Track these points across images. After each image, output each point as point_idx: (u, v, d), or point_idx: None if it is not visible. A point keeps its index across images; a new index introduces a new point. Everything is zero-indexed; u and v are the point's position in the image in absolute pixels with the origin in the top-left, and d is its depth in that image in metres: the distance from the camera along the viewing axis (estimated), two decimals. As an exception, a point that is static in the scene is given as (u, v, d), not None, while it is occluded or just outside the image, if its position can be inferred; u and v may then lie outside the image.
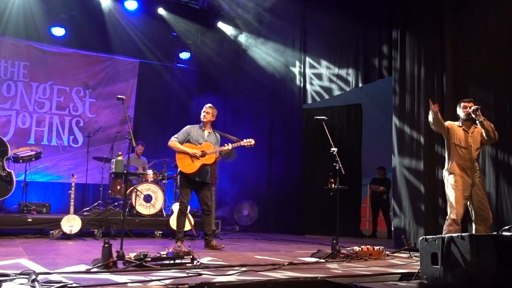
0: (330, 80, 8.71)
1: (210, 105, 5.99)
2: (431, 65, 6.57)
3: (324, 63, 8.88)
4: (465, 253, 3.24)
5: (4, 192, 7.00)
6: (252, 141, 5.77)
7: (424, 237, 3.67)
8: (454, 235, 3.40)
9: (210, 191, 6.03)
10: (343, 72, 8.40)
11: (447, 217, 5.02)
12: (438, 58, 6.46)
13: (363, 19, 8.06)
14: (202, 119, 5.92)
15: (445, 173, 5.16)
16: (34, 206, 7.86)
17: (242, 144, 5.77)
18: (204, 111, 5.91)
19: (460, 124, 5.17)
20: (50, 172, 9.71)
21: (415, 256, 5.30)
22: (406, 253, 5.64)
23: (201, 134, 5.86)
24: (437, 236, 3.54)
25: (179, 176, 5.81)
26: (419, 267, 3.71)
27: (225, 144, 5.80)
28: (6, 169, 7.01)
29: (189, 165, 5.69)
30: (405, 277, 3.85)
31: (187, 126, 5.93)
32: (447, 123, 5.18)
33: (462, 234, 3.34)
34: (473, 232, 4.91)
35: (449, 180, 5.04)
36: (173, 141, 5.76)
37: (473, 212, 4.98)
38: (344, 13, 8.46)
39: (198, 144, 5.79)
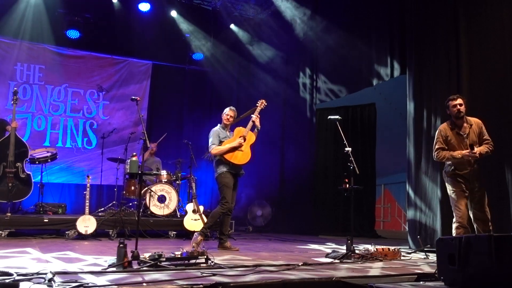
0: (342, 79, 8.66)
1: (233, 108, 6.10)
2: (446, 64, 6.48)
3: (336, 60, 8.80)
4: (482, 254, 3.19)
5: (23, 194, 7.08)
6: (264, 101, 6.06)
7: (440, 237, 3.62)
8: (471, 235, 3.35)
9: (237, 192, 6.09)
10: (354, 72, 8.33)
11: (453, 220, 4.91)
12: (453, 57, 6.36)
13: (375, 18, 7.99)
14: (225, 122, 5.99)
15: (444, 175, 5.04)
16: (50, 207, 7.97)
17: (260, 108, 5.98)
18: (228, 115, 5.99)
19: (453, 127, 4.91)
20: (65, 173, 9.83)
21: (431, 257, 5.24)
22: (422, 254, 5.57)
23: (225, 133, 5.97)
24: (454, 236, 3.49)
25: (221, 177, 5.79)
26: (436, 268, 3.66)
27: (251, 116, 5.93)
28: (25, 171, 7.09)
29: (242, 155, 5.81)
30: (422, 277, 3.80)
31: (213, 130, 5.98)
32: (443, 133, 4.93)
33: (479, 234, 3.29)
34: (475, 232, 4.82)
35: (448, 183, 4.94)
36: (215, 148, 5.81)
37: (471, 212, 4.85)
38: (355, 10, 8.40)
39: (229, 139, 5.89)
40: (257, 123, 5.92)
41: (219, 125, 6.04)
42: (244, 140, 5.82)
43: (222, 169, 5.79)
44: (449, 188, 4.95)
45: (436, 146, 4.94)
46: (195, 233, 5.76)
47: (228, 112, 6.01)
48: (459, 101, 4.84)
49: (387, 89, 9.82)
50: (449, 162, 4.92)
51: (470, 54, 6.17)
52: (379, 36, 7.86)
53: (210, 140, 5.89)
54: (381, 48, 7.77)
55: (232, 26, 10.84)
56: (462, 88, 6.14)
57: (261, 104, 6.01)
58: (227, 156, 5.76)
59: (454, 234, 4.81)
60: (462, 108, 4.84)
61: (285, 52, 10.17)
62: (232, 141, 5.82)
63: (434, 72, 6.63)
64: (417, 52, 6.92)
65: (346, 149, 5.32)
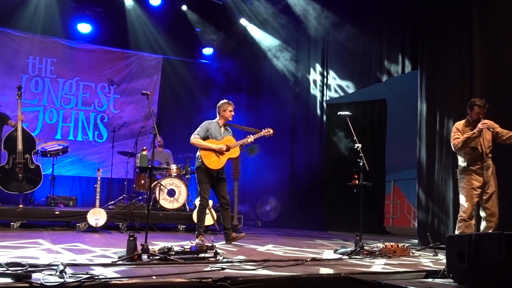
0: (352, 75, 8.62)
1: (231, 102, 5.99)
2: (458, 62, 6.40)
3: (346, 56, 8.75)
4: (493, 252, 3.17)
5: (33, 185, 7.22)
6: (271, 131, 5.89)
7: (450, 234, 3.60)
8: (481, 233, 3.33)
9: (226, 185, 6.03)
10: (365, 68, 8.28)
11: (459, 215, 5.14)
12: (465, 54, 6.28)
13: (386, 14, 7.92)
14: (229, 119, 5.92)
15: (458, 173, 5.26)
16: (61, 199, 8.06)
17: (262, 135, 5.88)
18: (232, 111, 5.91)
19: (468, 125, 5.19)
20: (76, 166, 9.91)
21: (441, 254, 5.22)
22: (432, 251, 5.55)
23: (218, 130, 5.89)
24: (464, 234, 3.47)
25: (197, 170, 5.81)
26: (445, 265, 3.64)
27: (248, 136, 5.85)
28: (34, 163, 7.22)
29: (216, 161, 5.72)
30: (431, 274, 3.79)
31: (205, 122, 5.91)
32: (459, 127, 5.21)
33: (490, 232, 3.27)
34: (482, 228, 5.02)
35: (461, 180, 5.16)
36: (196, 138, 5.75)
37: (482, 208, 5.08)
38: (366, 6, 8.34)
39: (217, 140, 5.82)
40: (248, 142, 5.86)
41: (216, 119, 5.94)
42: (227, 150, 5.75)
43: (198, 163, 5.77)
44: (460, 185, 5.16)
45: (455, 136, 5.16)
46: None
47: (231, 109, 5.90)
48: (485, 110, 5.06)
49: (397, 84, 9.73)
50: (462, 159, 5.16)
51: (483, 51, 6.09)
52: (390, 32, 7.79)
53: (196, 130, 5.81)
54: (392, 44, 7.71)
55: (242, 20, 10.82)
56: (474, 84, 6.08)
57: (266, 132, 5.89)
58: (202, 153, 5.73)
59: (458, 229, 5.06)
60: (483, 116, 5.05)
61: (295, 48, 10.13)
62: (216, 143, 5.76)
63: (447, 70, 6.56)
64: (429, 49, 6.84)
65: (356, 145, 5.31)
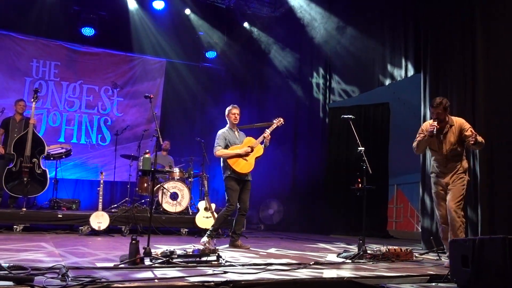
0: (354, 79, 8.61)
1: (236, 106, 6.03)
2: (461, 63, 6.39)
3: (349, 60, 8.75)
4: (496, 256, 3.15)
5: (38, 190, 7.22)
6: (281, 119, 6.01)
7: (454, 238, 3.59)
8: (485, 237, 3.31)
9: (250, 191, 6.03)
10: (367, 71, 8.27)
11: None
12: (468, 56, 6.27)
13: (389, 16, 7.92)
14: (233, 122, 5.94)
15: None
16: (64, 203, 8.08)
17: (276, 125, 5.95)
18: (235, 114, 5.93)
19: None
20: (79, 169, 9.93)
21: (444, 258, 5.19)
22: (435, 255, 5.52)
23: (233, 135, 5.93)
24: (467, 238, 3.45)
25: (227, 179, 5.80)
26: (448, 269, 3.62)
27: (265, 131, 5.87)
28: (41, 167, 7.21)
29: (246, 164, 5.76)
30: (434, 279, 3.77)
31: (219, 132, 5.94)
32: (423, 127, 5.06)
33: (493, 236, 3.25)
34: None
35: (432, 183, 5.07)
36: (220, 150, 5.77)
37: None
38: (369, 10, 8.34)
39: (236, 145, 5.84)
40: (267, 140, 5.88)
41: (226, 126, 5.99)
42: (252, 150, 5.79)
43: (227, 172, 5.80)
44: (432, 186, 5.07)
45: (417, 138, 5.05)
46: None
47: (234, 111, 5.94)
48: (438, 110, 4.82)
49: (400, 88, 9.73)
50: (432, 160, 5.06)
51: (486, 53, 6.05)
52: (393, 36, 7.79)
53: (216, 142, 5.85)
54: (395, 47, 7.71)
55: (246, 24, 10.84)
56: (477, 87, 6.06)
57: (278, 122, 5.95)
58: (230, 161, 5.74)
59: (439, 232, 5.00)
60: (436, 116, 4.83)
61: (298, 52, 10.13)
62: (240, 148, 5.80)
63: (450, 73, 6.53)
64: (432, 52, 6.83)
65: (359, 148, 5.30)
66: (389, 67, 7.80)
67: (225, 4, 10.65)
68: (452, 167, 4.87)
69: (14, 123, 7.53)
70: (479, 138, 4.65)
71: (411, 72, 7.33)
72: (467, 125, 4.87)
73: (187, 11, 10.62)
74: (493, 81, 5.96)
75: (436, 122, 4.78)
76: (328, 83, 9.33)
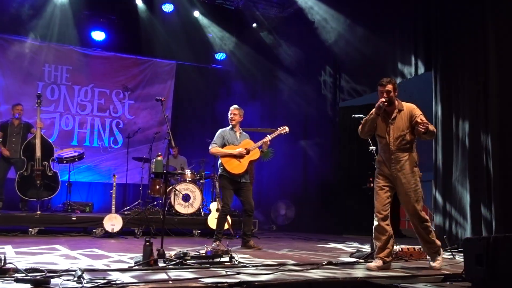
0: (364, 78, 8.57)
1: (236, 106, 6.07)
2: (473, 60, 6.33)
3: (358, 59, 8.71)
4: (511, 254, 3.13)
5: (51, 192, 7.34)
6: (286, 128, 5.92)
7: (468, 237, 3.56)
8: (499, 235, 3.28)
9: (251, 190, 6.05)
10: (377, 70, 8.22)
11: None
12: (480, 53, 6.20)
13: (399, 15, 7.87)
14: (230, 122, 5.98)
15: None
16: (78, 205, 8.16)
17: (278, 133, 5.89)
18: (231, 113, 5.98)
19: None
20: (92, 172, 10.02)
21: (458, 257, 5.15)
22: (449, 254, 5.48)
23: (233, 136, 5.94)
24: (481, 236, 3.43)
25: (220, 178, 5.86)
26: (463, 268, 3.60)
27: (266, 136, 5.86)
28: (52, 170, 7.33)
29: (238, 165, 5.76)
30: (448, 278, 3.74)
31: (220, 130, 6.00)
32: (370, 111, 4.44)
33: (507, 234, 3.22)
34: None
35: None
36: (215, 147, 5.83)
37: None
38: (379, 8, 8.30)
39: (234, 145, 5.85)
40: (266, 146, 5.87)
41: (228, 127, 6.01)
42: (247, 153, 5.79)
43: (220, 170, 5.85)
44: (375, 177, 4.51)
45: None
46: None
47: (232, 111, 5.97)
48: (390, 87, 4.28)
49: (411, 86, 9.66)
50: (379, 150, 4.51)
51: (498, 49, 5.98)
52: (403, 33, 7.72)
53: (213, 139, 5.91)
54: (405, 45, 7.64)
55: (255, 25, 10.85)
56: (489, 83, 6.00)
57: (282, 130, 5.91)
58: (223, 160, 5.79)
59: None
60: (386, 95, 4.28)
61: (307, 51, 10.10)
62: (235, 148, 5.81)
63: (462, 70, 6.47)
64: (443, 49, 6.77)
65: (370, 148, 5.27)
66: (399, 65, 7.74)
67: (233, 5, 10.67)
68: (397, 158, 4.28)
69: (12, 127, 7.60)
70: (431, 127, 4.13)
71: (421, 69, 7.26)
72: (418, 111, 4.31)
73: (196, 13, 10.66)
74: (506, 77, 5.89)
75: (384, 100, 4.23)
76: (337, 82, 9.30)
